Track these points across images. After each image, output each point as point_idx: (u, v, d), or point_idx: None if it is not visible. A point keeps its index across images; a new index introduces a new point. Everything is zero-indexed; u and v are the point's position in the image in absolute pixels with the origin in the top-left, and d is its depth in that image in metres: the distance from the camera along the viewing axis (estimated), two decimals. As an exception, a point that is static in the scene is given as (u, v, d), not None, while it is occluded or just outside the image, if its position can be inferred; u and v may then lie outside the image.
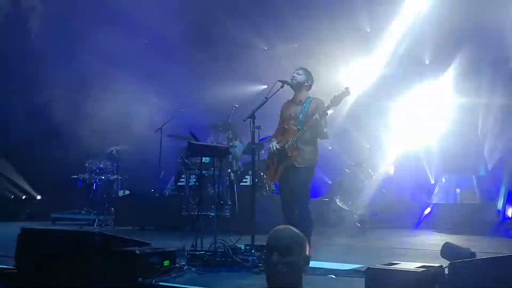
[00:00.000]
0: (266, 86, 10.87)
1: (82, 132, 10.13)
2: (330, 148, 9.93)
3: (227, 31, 9.54)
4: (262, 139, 8.63)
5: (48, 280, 4.35)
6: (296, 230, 2.64)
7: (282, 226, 2.66)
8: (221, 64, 10.11)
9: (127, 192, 10.09)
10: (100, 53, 9.42)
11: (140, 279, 4.27)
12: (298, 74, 5.56)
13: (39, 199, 11.46)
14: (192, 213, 7.73)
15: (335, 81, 8.69)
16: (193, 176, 8.61)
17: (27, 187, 11.43)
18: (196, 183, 8.30)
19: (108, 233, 4.59)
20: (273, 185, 8.92)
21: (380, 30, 9.70)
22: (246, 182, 9.10)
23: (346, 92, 5.12)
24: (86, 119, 9.92)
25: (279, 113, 5.71)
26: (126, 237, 4.67)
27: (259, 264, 4.92)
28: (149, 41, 9.25)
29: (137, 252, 4.30)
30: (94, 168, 9.81)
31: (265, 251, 2.62)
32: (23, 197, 11.41)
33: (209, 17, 9.58)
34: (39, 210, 10.82)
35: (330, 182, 10.72)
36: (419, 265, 3.65)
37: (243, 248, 5.39)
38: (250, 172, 9.08)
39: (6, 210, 10.49)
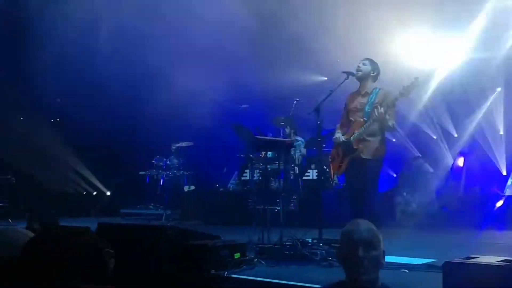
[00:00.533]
0: (326, 78, 10.75)
1: (149, 129, 10.46)
2: (394, 140, 9.67)
3: (288, 23, 9.37)
4: (324, 132, 8.55)
5: (123, 272, 4.53)
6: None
7: (359, 220, 2.62)
8: (282, 57, 10.04)
9: (192, 187, 10.32)
10: (162, 47, 9.52)
11: (212, 271, 4.36)
12: (363, 64, 5.46)
13: (108, 195, 11.94)
14: (258, 207, 7.80)
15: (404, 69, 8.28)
16: (257, 170, 8.68)
17: (97, 183, 11.95)
18: (260, 178, 8.36)
19: (180, 227, 4.71)
20: (336, 178, 8.84)
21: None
22: (309, 176, 9.07)
23: (416, 82, 4.97)
24: (152, 115, 10.20)
25: (344, 105, 5.64)
26: (196, 230, 4.79)
27: (328, 258, 4.90)
28: (212, 35, 9.19)
29: (209, 245, 4.39)
30: (161, 164, 10.12)
31: (342, 244, 2.58)
32: (94, 193, 11.94)
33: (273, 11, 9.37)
34: (109, 205, 11.30)
35: (395, 175, 10.47)
36: (500, 259, 3.47)
37: (310, 241, 5.39)
38: (312, 166, 9.06)
39: (79, 205, 11.01)
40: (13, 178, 8.59)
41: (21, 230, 2.40)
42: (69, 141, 11.26)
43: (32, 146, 10.61)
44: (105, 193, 11.98)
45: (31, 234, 2.29)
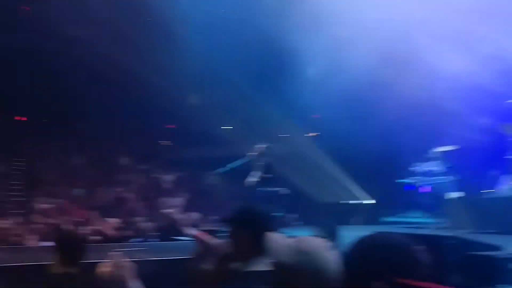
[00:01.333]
0: None
1: (412, 135, 10.34)
2: None
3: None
4: None
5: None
6: None
7: None
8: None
9: (458, 194, 9.74)
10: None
11: (498, 286, 4.04)
12: None
13: (370, 204, 12.17)
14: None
15: None
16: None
17: (361, 193, 12.31)
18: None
19: (463, 237, 4.51)
20: None
21: None
22: None
23: None
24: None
25: None
26: (479, 240, 4.50)
27: None
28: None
29: (497, 257, 4.09)
30: (421, 171, 9.87)
31: None
32: (356, 202, 12.32)
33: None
34: (372, 214, 11.49)
35: None
36: None
37: None
38: None
39: (343, 215, 11.46)
40: (289, 190, 9.53)
41: (313, 239, 2.65)
42: (332, 153, 11.89)
43: (300, 160, 11.57)
44: (365, 202, 12.23)
45: (321, 242, 2.51)
